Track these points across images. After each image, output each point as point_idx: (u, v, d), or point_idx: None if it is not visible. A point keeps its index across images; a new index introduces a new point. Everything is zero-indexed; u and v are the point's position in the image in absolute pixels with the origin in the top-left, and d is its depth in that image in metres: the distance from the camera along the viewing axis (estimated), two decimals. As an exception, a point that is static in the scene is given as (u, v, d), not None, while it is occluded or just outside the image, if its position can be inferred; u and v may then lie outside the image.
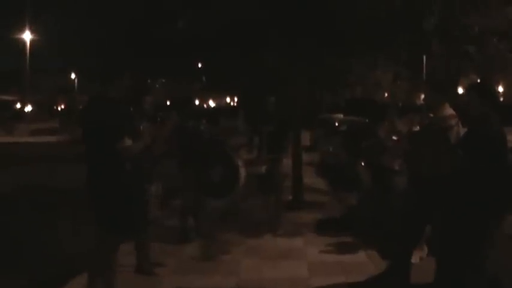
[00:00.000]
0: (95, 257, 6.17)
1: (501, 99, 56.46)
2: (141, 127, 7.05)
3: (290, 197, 12.79)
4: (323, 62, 11.40)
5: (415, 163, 7.37)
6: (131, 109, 6.86)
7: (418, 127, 7.52)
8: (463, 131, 6.77)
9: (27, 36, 59.73)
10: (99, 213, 6.04)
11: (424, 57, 27.09)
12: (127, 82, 6.33)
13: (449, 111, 7.11)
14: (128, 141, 5.85)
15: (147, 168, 7.41)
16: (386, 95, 48.59)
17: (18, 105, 79.72)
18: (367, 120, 22.94)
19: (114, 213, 5.97)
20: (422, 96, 8.67)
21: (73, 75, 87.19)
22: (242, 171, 9.94)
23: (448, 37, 16.61)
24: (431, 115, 7.21)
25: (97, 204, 6.03)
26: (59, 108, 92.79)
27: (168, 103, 46.43)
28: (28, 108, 72.65)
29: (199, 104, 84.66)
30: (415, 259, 7.89)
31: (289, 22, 11.05)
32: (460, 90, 39.89)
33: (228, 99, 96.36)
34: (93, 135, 5.95)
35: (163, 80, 67.54)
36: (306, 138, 23.92)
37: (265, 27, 11.05)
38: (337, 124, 24.49)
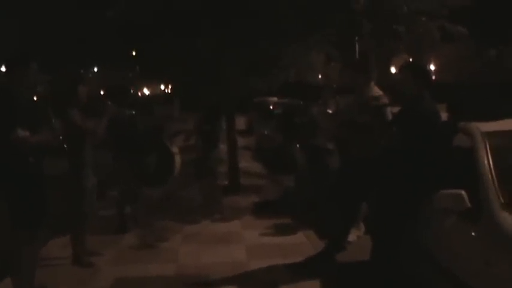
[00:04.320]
0: (18, 257, 5.86)
1: (433, 77, 57.30)
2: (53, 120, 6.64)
3: (226, 182, 12.79)
4: (256, 50, 11.34)
5: (348, 144, 7.45)
6: (36, 100, 6.61)
7: (350, 108, 7.58)
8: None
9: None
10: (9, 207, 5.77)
11: (356, 38, 27.28)
12: (33, 73, 6.05)
13: (376, 91, 7.20)
14: (22, 132, 5.56)
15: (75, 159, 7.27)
16: (320, 76, 48.85)
17: None
18: (301, 103, 23.03)
19: (19, 206, 5.72)
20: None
21: (3, 68, 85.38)
22: (177, 159, 9.90)
23: (378, 17, 16.79)
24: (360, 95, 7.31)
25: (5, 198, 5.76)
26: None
27: (102, 93, 45.71)
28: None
29: (133, 92, 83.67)
30: (352, 237, 8.00)
31: (221, 11, 10.95)
32: (393, 70, 40.42)
33: (162, 87, 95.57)
34: None
35: (96, 69, 66.62)
36: (241, 122, 23.95)
37: (197, 17, 10.94)
38: (271, 107, 24.54)
